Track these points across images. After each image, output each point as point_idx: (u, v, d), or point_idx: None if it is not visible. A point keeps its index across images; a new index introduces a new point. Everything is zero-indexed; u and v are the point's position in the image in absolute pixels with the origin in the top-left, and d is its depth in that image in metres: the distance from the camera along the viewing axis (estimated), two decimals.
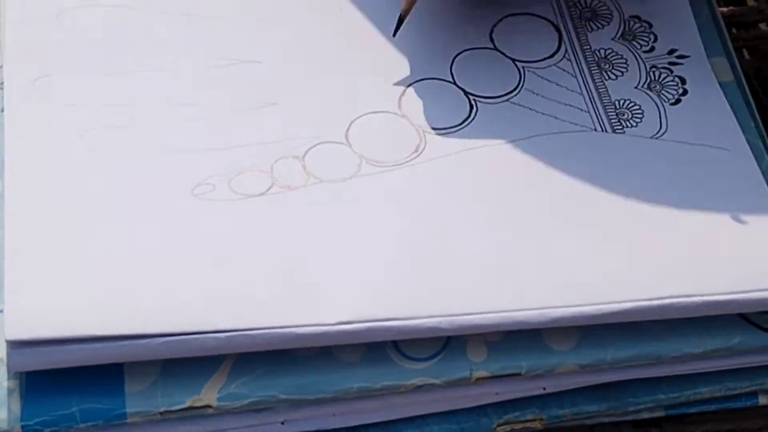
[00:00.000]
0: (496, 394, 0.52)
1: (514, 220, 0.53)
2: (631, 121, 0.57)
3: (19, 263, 0.49)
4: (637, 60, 0.60)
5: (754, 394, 0.54)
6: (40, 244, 0.49)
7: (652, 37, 0.60)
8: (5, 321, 0.47)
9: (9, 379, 0.48)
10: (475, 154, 0.55)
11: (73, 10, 0.57)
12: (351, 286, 0.50)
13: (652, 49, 0.60)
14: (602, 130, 0.57)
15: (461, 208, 0.53)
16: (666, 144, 0.57)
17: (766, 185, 0.55)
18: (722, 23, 0.61)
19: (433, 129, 0.56)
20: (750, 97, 0.59)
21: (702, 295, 0.51)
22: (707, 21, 0.61)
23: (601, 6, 0.61)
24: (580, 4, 0.61)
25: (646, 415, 0.53)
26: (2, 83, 0.55)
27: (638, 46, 0.60)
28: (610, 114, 0.57)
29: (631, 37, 0.60)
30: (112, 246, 0.50)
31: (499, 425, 0.52)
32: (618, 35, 0.61)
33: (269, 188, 0.53)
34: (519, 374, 0.51)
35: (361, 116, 0.56)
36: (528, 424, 0.52)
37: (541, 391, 0.52)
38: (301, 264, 0.50)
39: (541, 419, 0.52)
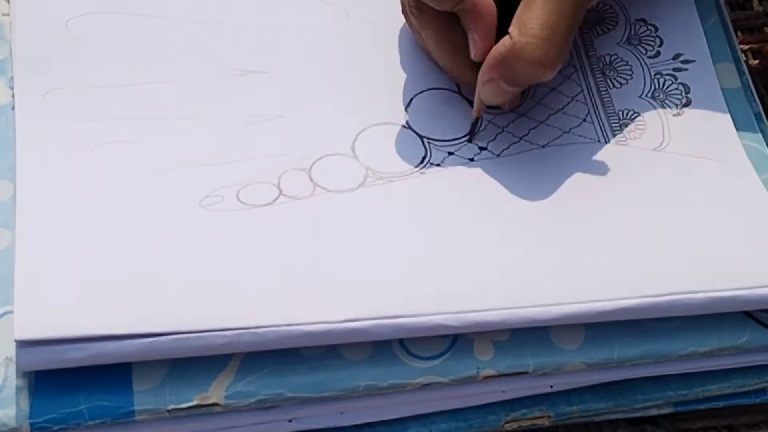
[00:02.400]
0: (503, 392, 0.52)
1: (519, 224, 0.54)
2: (634, 132, 0.58)
3: (29, 265, 0.49)
4: (642, 66, 0.60)
5: (762, 391, 0.54)
6: (50, 246, 0.50)
7: (657, 41, 0.61)
8: (15, 320, 0.47)
9: (18, 377, 0.49)
10: (480, 165, 0.56)
11: (83, 18, 0.58)
12: (357, 285, 0.50)
13: (658, 54, 0.60)
14: (606, 141, 0.57)
15: (466, 213, 0.54)
16: (668, 156, 0.57)
17: (765, 193, 0.55)
18: (731, 28, 0.61)
19: (439, 140, 0.56)
20: (758, 103, 0.59)
21: (706, 292, 0.51)
22: (715, 26, 0.61)
23: (608, 9, 0.62)
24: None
25: (654, 412, 0.54)
26: (13, 89, 0.56)
27: (644, 51, 0.60)
28: (613, 125, 0.58)
29: (636, 42, 0.61)
30: (119, 249, 0.50)
31: (506, 422, 0.52)
32: (624, 40, 0.61)
33: (276, 198, 0.53)
34: (526, 372, 0.51)
35: (367, 128, 0.56)
36: (536, 422, 0.52)
37: (549, 390, 0.52)
38: (308, 265, 0.51)
39: (549, 416, 0.52)
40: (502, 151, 0.56)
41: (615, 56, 0.60)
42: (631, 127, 0.58)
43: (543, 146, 0.57)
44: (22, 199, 0.51)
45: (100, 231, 0.51)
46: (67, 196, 0.52)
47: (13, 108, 0.55)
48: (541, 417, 0.52)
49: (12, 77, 0.56)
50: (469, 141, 0.56)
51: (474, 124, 0.56)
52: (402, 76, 0.58)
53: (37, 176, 0.52)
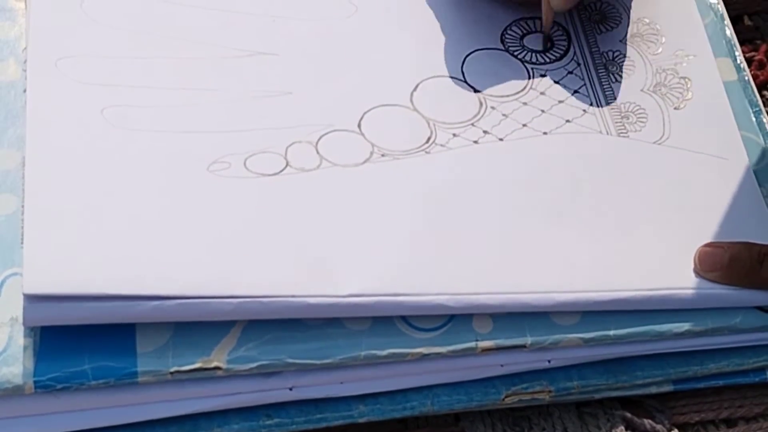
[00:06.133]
0: (501, 366, 0.52)
1: (520, 208, 0.54)
2: (635, 125, 0.59)
3: (38, 222, 0.50)
4: (644, 61, 0.61)
5: (761, 370, 0.55)
6: (59, 204, 0.51)
7: (659, 38, 0.62)
8: (23, 275, 0.48)
9: (23, 337, 0.49)
10: (484, 149, 0.57)
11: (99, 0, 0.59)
12: (362, 261, 0.51)
13: (660, 50, 0.62)
14: (606, 133, 0.58)
15: (469, 195, 0.55)
16: (668, 150, 0.58)
17: (760, 193, 0.57)
18: (728, 24, 0.63)
19: (444, 123, 0.57)
20: (756, 95, 0.60)
21: (701, 289, 0.53)
22: (713, 22, 0.63)
23: (611, 9, 0.63)
24: (590, 8, 0.63)
25: (654, 390, 0.54)
26: (25, 62, 0.56)
27: (646, 48, 0.62)
28: (615, 117, 0.59)
29: (639, 39, 0.62)
30: (129, 210, 0.51)
31: (507, 396, 0.52)
32: (626, 37, 0.62)
33: (283, 169, 0.54)
34: (524, 346, 0.52)
35: (373, 108, 0.57)
36: (536, 396, 0.53)
37: (547, 365, 0.53)
38: (314, 238, 0.52)
39: (549, 391, 0.53)
40: (506, 135, 0.57)
41: (617, 52, 0.62)
42: (633, 119, 0.59)
43: (545, 133, 0.58)
44: (31, 157, 0.52)
45: (109, 191, 0.52)
46: (76, 155, 0.53)
47: (24, 90, 0.56)
48: (542, 392, 0.53)
49: (24, 58, 0.57)
50: (544, 51, 0.60)
51: (546, 37, 0.60)
52: (409, 63, 0.59)
53: (47, 135, 0.53)
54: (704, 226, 0.55)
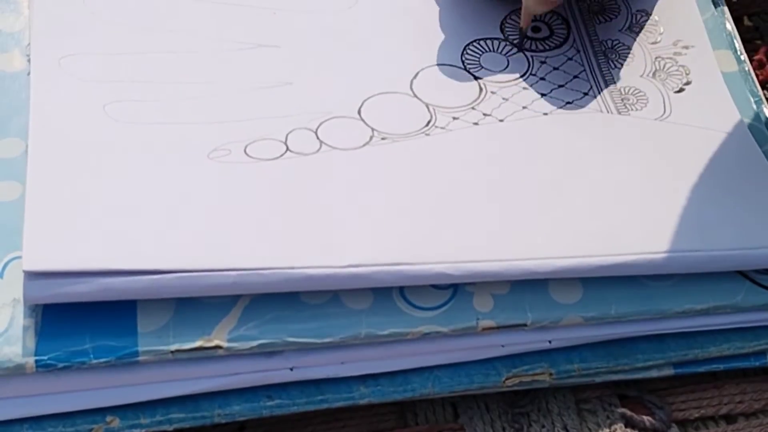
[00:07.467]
0: (503, 346, 0.52)
1: (521, 180, 0.55)
2: (636, 105, 0.59)
3: (39, 201, 0.50)
4: (642, 51, 0.62)
5: (762, 354, 0.55)
6: (60, 184, 0.51)
7: (658, 28, 0.62)
8: (23, 253, 0.48)
9: (25, 317, 0.49)
10: (484, 129, 0.57)
11: None
12: (361, 232, 0.51)
13: (658, 40, 0.62)
14: (608, 112, 0.58)
15: (471, 170, 0.55)
16: (670, 125, 0.58)
17: (764, 157, 0.57)
18: (728, 18, 0.63)
19: (444, 107, 0.58)
20: (757, 86, 0.61)
21: (705, 251, 0.52)
22: (713, 17, 0.63)
23: (609, 0, 0.63)
24: None
25: (655, 374, 0.54)
26: (29, 56, 0.57)
27: (645, 38, 0.62)
28: (615, 99, 0.59)
29: (638, 30, 0.62)
30: (129, 188, 0.52)
31: (508, 378, 0.52)
32: (625, 27, 0.63)
33: (283, 154, 0.55)
34: (524, 325, 0.52)
35: (373, 95, 0.58)
36: (537, 378, 0.53)
37: (548, 345, 0.52)
38: (312, 213, 0.52)
39: (550, 373, 0.53)
40: (506, 117, 0.58)
41: (617, 41, 0.62)
42: (633, 100, 0.59)
43: (545, 114, 0.58)
44: (34, 141, 0.52)
45: (109, 172, 0.52)
46: (78, 140, 0.53)
47: (28, 74, 0.56)
48: (543, 373, 0.53)
49: (28, 45, 0.57)
50: (519, 50, 0.60)
51: (522, 35, 0.60)
52: (409, 52, 0.60)
53: (49, 125, 0.53)
54: (707, 194, 0.55)
